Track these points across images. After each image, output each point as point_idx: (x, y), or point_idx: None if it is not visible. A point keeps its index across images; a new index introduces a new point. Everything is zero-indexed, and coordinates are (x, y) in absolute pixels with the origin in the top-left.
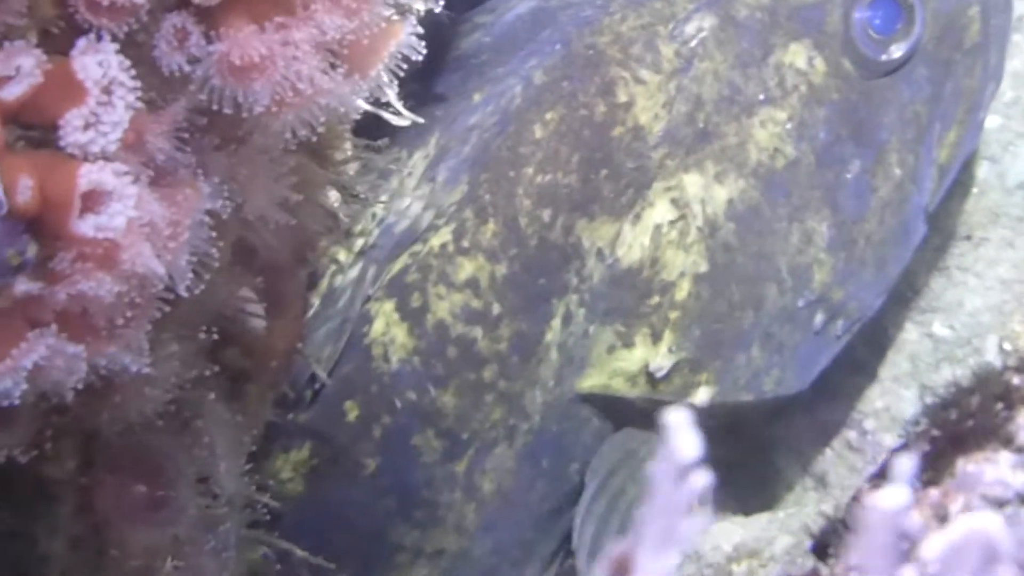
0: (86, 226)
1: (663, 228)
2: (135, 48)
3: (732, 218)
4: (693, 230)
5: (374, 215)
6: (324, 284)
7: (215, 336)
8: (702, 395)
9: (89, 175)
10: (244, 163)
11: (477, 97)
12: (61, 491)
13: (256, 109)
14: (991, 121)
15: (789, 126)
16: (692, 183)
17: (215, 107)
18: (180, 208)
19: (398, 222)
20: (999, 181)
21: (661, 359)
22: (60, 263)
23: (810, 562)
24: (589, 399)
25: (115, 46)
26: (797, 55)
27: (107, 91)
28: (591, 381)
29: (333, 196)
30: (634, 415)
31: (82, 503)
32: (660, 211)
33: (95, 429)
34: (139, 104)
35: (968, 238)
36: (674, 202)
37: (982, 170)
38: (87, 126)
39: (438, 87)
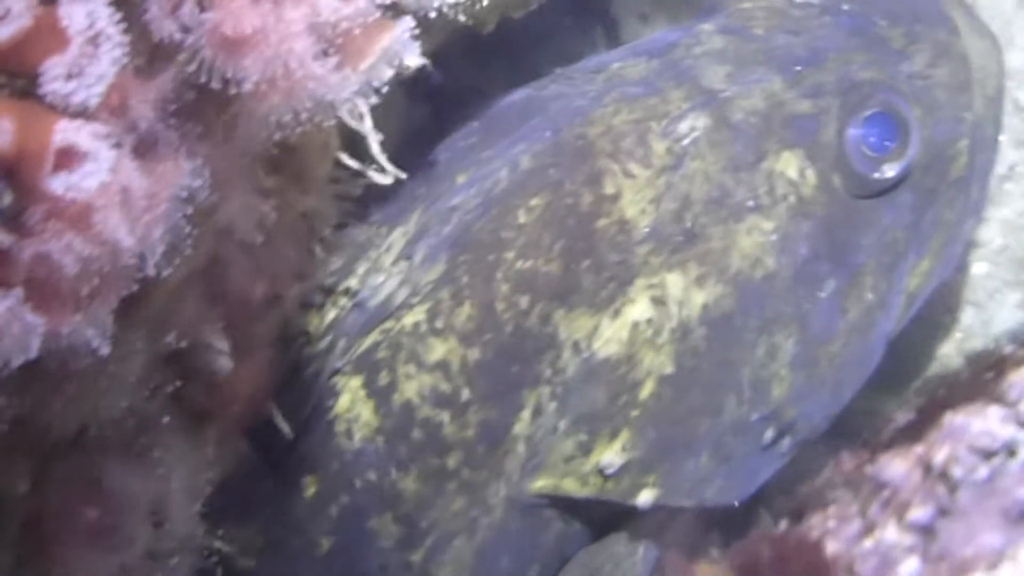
0: (57, 183)
1: (640, 326)
2: (126, 7)
3: (705, 323)
4: (666, 331)
5: (347, 288)
6: (292, 354)
7: (178, 370)
8: (645, 497)
9: (65, 132)
10: (225, 159)
11: (462, 178)
12: (11, 506)
13: (245, 86)
14: (978, 268)
15: (774, 237)
16: (674, 284)
17: (203, 80)
18: (159, 181)
19: (372, 297)
20: (983, 328)
21: (614, 456)
22: (31, 218)
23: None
24: (552, 501)
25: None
26: (789, 164)
27: (93, 43)
28: (543, 481)
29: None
30: (591, 517)
31: (31, 520)
32: (640, 308)
33: (47, 426)
34: (126, 60)
35: None
36: (654, 301)
37: (967, 316)
38: (70, 76)
39: (423, 167)
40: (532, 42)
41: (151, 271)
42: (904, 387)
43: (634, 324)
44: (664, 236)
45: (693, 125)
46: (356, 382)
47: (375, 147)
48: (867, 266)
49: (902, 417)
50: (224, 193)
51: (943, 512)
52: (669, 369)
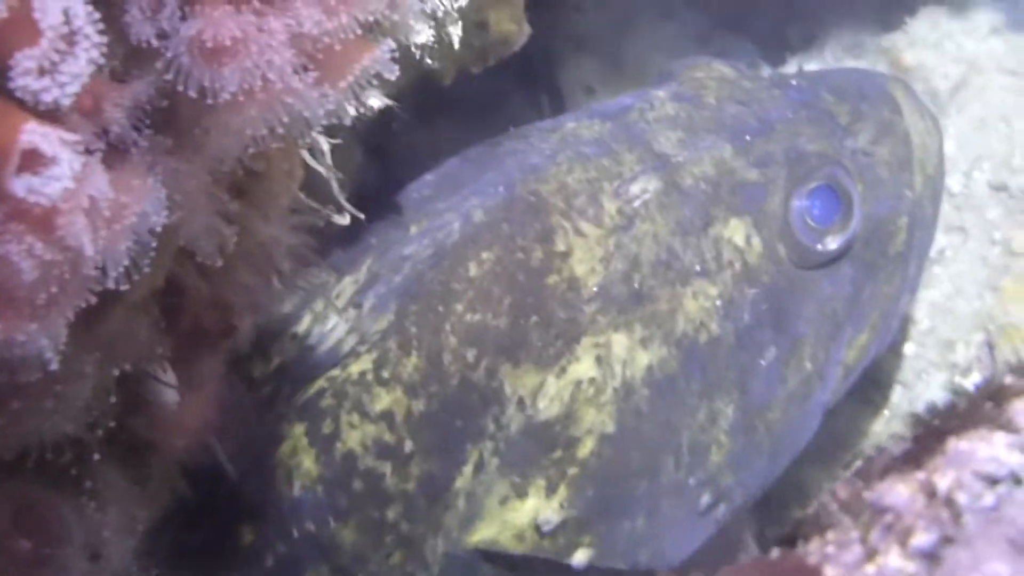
0: (19, 185)
1: (584, 384)
2: (105, 7)
3: (648, 384)
4: (609, 390)
5: (295, 334)
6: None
7: (122, 399)
8: (580, 557)
9: (32, 134)
10: (194, 175)
11: (414, 229)
12: None
13: (222, 96)
14: (907, 348)
15: (719, 302)
16: (619, 343)
17: (179, 88)
18: (128, 192)
19: (319, 344)
20: (910, 407)
21: (551, 513)
22: None
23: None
24: (488, 557)
25: None
26: (736, 231)
27: (69, 40)
28: (481, 534)
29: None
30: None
31: None
32: (584, 367)
33: None
34: (102, 61)
35: None
36: (598, 360)
37: (895, 394)
38: (42, 72)
39: (376, 217)
40: (480, 108)
41: (111, 284)
42: (833, 461)
43: (578, 382)
44: (612, 296)
45: (644, 187)
46: (299, 429)
47: (334, 186)
48: (807, 336)
49: (897, 447)
50: (189, 211)
51: (947, 539)
52: (610, 428)
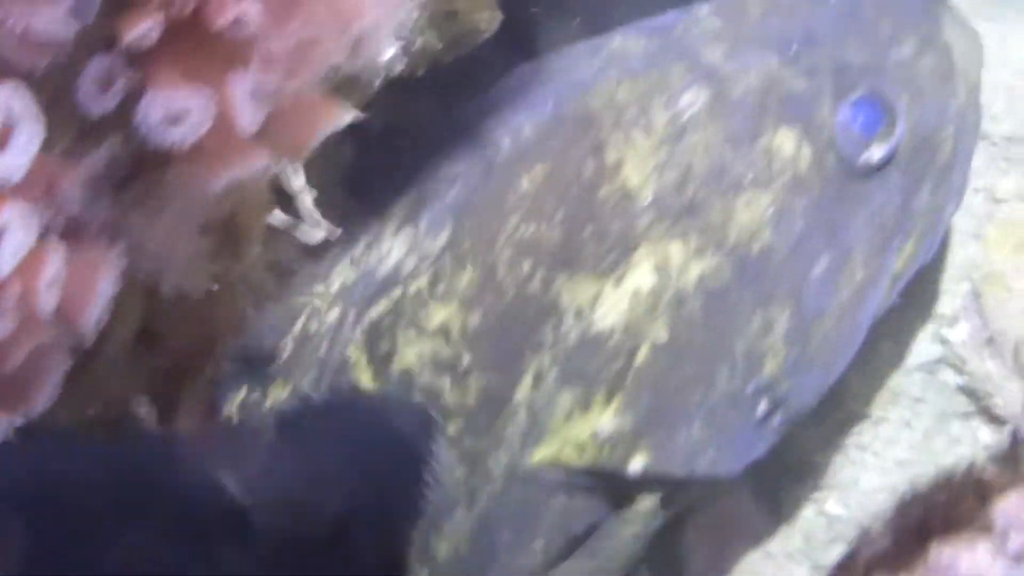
0: None
1: (640, 293)
2: (54, 86)
3: (702, 294)
4: (664, 300)
5: (352, 258)
6: (298, 327)
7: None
8: (636, 464)
9: None
10: (163, 229)
11: (462, 148)
12: None
13: (180, 161)
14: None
15: (771, 211)
16: (674, 253)
17: (136, 155)
18: (89, 266)
19: (379, 266)
20: (899, 361)
21: (606, 422)
22: None
23: None
24: (552, 471)
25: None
26: (786, 141)
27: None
28: (544, 452)
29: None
30: (592, 492)
31: None
32: (639, 276)
33: None
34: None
35: (867, 416)
36: (655, 269)
37: (883, 347)
38: None
39: (421, 140)
40: (461, 77)
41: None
42: (824, 418)
43: (635, 292)
44: (666, 206)
45: (694, 99)
46: (357, 351)
47: (308, 203)
48: (858, 246)
49: (880, 541)
50: (164, 263)
51: None
52: (664, 337)
